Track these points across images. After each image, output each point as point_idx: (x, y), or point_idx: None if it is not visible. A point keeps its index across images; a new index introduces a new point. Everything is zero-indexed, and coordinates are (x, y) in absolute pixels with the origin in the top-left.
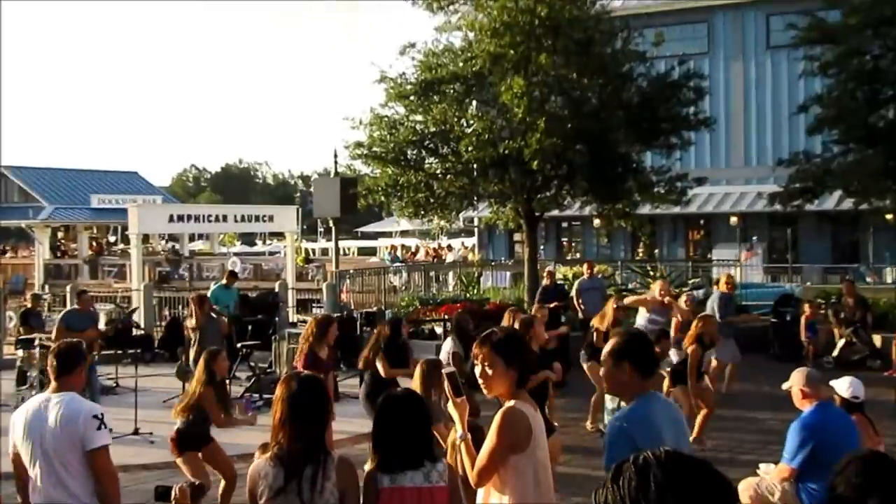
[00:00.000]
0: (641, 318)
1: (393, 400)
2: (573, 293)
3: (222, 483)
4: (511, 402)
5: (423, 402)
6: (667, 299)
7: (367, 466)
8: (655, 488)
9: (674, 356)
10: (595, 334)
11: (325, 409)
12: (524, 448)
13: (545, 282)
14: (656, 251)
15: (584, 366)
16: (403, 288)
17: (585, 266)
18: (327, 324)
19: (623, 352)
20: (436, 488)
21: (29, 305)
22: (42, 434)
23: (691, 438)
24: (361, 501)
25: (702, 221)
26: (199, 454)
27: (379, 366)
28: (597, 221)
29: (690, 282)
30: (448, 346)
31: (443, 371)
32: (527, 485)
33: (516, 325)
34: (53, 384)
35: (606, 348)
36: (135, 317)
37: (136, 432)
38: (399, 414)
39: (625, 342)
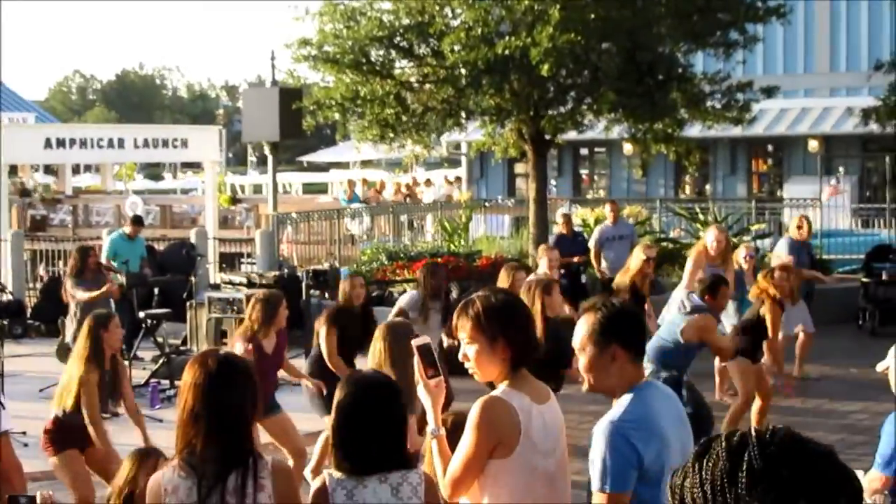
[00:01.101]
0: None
1: (360, 385)
2: (592, 244)
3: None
4: (497, 390)
5: (399, 391)
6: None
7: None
8: (747, 475)
9: (726, 323)
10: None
11: (252, 399)
12: (509, 451)
13: (560, 229)
14: (708, 187)
15: None
16: (365, 237)
17: (608, 207)
18: (276, 304)
19: (609, 329)
20: None
21: None
22: None
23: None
24: None
25: (770, 147)
26: (83, 455)
27: (323, 346)
28: (628, 147)
29: (754, 228)
30: (406, 300)
31: (412, 342)
32: (512, 498)
33: (517, 288)
34: None
35: (581, 328)
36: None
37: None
38: (365, 405)
39: (609, 315)
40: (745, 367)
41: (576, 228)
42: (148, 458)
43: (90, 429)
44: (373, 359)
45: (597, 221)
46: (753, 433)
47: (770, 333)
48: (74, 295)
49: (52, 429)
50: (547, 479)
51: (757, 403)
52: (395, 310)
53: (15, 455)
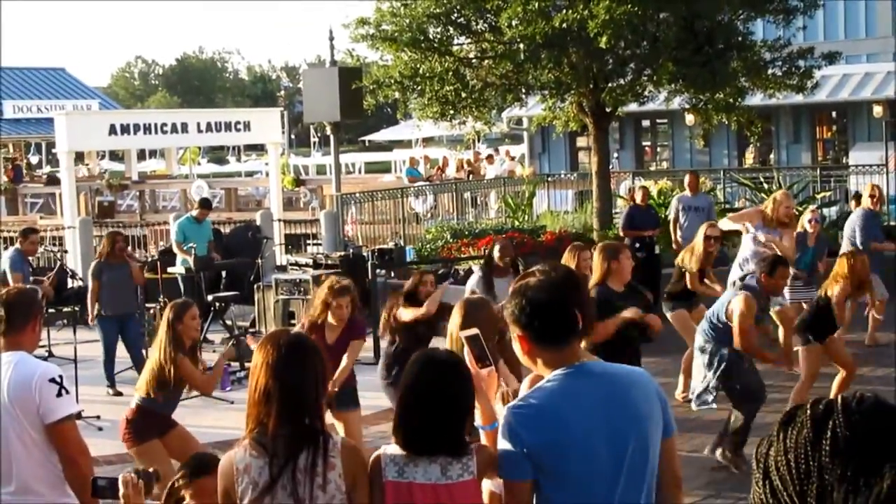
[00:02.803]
0: (747, 246)
1: (428, 364)
2: (670, 214)
3: None
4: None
5: (468, 374)
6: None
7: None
8: (831, 442)
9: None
10: (682, 274)
11: (322, 379)
12: None
13: (636, 199)
14: (771, 156)
15: (669, 315)
16: (429, 216)
17: (688, 178)
18: (343, 292)
19: (512, 319)
20: (456, 485)
21: None
22: None
23: None
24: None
25: (834, 114)
26: (161, 443)
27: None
28: (689, 118)
29: (819, 196)
30: (473, 281)
31: (461, 334)
32: None
33: (582, 268)
34: (2, 341)
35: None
36: (69, 262)
37: (78, 416)
38: (430, 385)
39: (512, 305)
40: (810, 347)
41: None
42: (199, 475)
43: (198, 384)
44: (449, 335)
45: (660, 193)
46: (839, 401)
47: (838, 317)
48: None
49: (132, 418)
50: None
51: (840, 375)
52: (468, 292)
53: (81, 438)
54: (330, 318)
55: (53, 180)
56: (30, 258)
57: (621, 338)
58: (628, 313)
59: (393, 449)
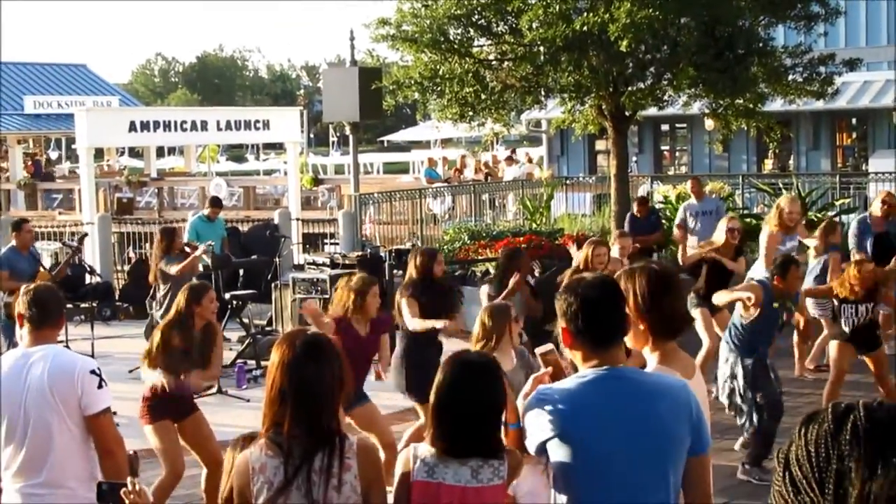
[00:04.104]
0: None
1: (461, 366)
2: (676, 221)
3: (204, 471)
4: (649, 367)
5: (500, 375)
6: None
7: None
8: (851, 431)
9: (812, 308)
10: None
11: (339, 379)
12: None
13: (635, 210)
14: (791, 162)
15: (693, 312)
16: (447, 217)
17: (690, 184)
18: (366, 289)
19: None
20: (486, 489)
21: None
22: (24, 400)
23: None
24: (394, 494)
25: (854, 120)
26: (176, 426)
27: (405, 311)
28: (709, 123)
29: (838, 203)
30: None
31: (538, 353)
32: None
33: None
34: (29, 337)
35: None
36: (87, 258)
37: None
38: (464, 387)
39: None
40: (841, 346)
41: (656, 204)
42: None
43: (163, 377)
44: (473, 337)
45: (678, 198)
46: (860, 402)
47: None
48: (168, 271)
49: (149, 396)
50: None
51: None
52: (483, 299)
53: (116, 429)
54: (359, 313)
55: (49, 177)
56: (35, 249)
57: None
58: None
59: (424, 449)
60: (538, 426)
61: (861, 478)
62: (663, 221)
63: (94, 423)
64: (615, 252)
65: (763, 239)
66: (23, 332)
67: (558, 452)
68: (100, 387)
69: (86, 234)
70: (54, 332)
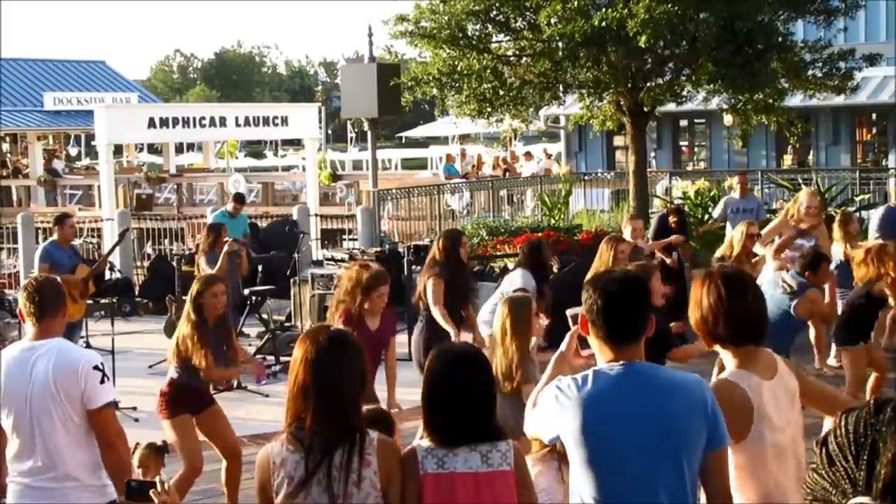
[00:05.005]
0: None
1: (447, 357)
2: (715, 214)
3: (224, 463)
4: (726, 372)
5: (486, 363)
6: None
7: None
8: (891, 414)
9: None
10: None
11: (362, 375)
12: (744, 433)
13: (670, 216)
14: (810, 157)
15: None
16: (465, 213)
17: (736, 179)
18: (376, 282)
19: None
20: (496, 473)
21: None
22: (30, 393)
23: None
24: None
25: (874, 115)
26: (194, 419)
27: (430, 293)
28: (728, 118)
29: (858, 198)
30: (516, 279)
31: (567, 314)
32: (743, 475)
33: (619, 261)
34: (33, 330)
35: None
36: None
37: (116, 407)
38: (452, 377)
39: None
40: (853, 352)
41: (675, 200)
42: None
43: (205, 371)
44: (496, 329)
45: (697, 193)
46: None
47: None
48: (206, 270)
49: (167, 391)
50: (778, 453)
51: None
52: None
53: (119, 424)
54: (367, 306)
55: (54, 172)
56: (74, 244)
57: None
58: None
59: (426, 442)
60: (553, 418)
61: (893, 451)
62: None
63: (96, 418)
64: (627, 235)
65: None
66: (26, 327)
67: (573, 445)
68: (102, 382)
69: (127, 229)
70: (56, 323)
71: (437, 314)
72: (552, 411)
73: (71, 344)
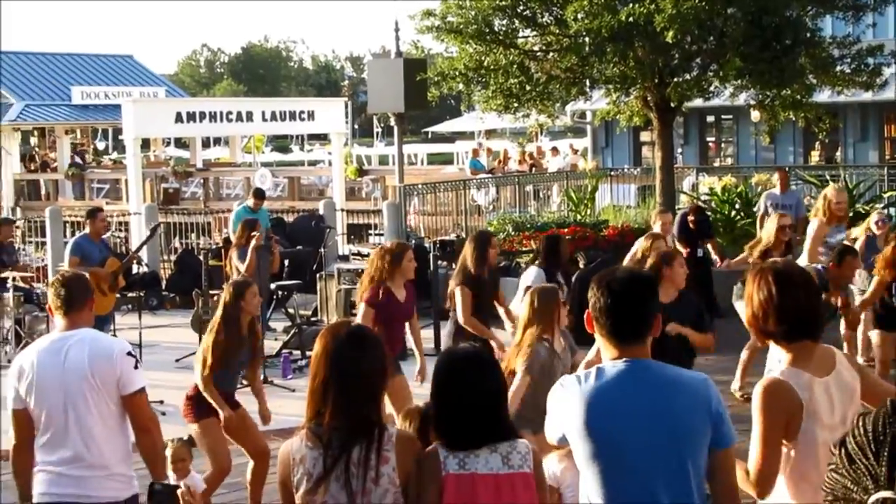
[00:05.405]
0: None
1: (452, 360)
2: (758, 211)
3: (251, 464)
4: (776, 371)
5: (493, 362)
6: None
7: None
8: None
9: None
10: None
11: (381, 371)
12: (794, 432)
13: (689, 215)
14: (838, 154)
15: (737, 304)
16: (491, 208)
17: (777, 175)
18: (402, 251)
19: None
20: (516, 475)
21: None
22: (64, 381)
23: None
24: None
25: None
26: (219, 422)
27: (458, 303)
28: (755, 114)
29: (886, 195)
30: (528, 278)
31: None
32: (795, 474)
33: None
34: (63, 321)
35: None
36: (133, 247)
37: None
38: (458, 380)
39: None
40: (882, 336)
41: (702, 197)
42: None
43: (210, 390)
44: (520, 322)
45: (724, 190)
46: None
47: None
48: (237, 266)
49: (192, 395)
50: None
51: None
52: (522, 289)
53: (151, 408)
54: (397, 275)
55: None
56: (105, 238)
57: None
58: (671, 328)
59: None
60: (558, 416)
61: None
62: (708, 213)
63: (130, 402)
64: (657, 229)
65: (811, 230)
66: (56, 321)
67: (578, 443)
68: (136, 367)
69: (158, 225)
70: (83, 315)
71: (468, 326)
72: (557, 409)
73: (101, 333)
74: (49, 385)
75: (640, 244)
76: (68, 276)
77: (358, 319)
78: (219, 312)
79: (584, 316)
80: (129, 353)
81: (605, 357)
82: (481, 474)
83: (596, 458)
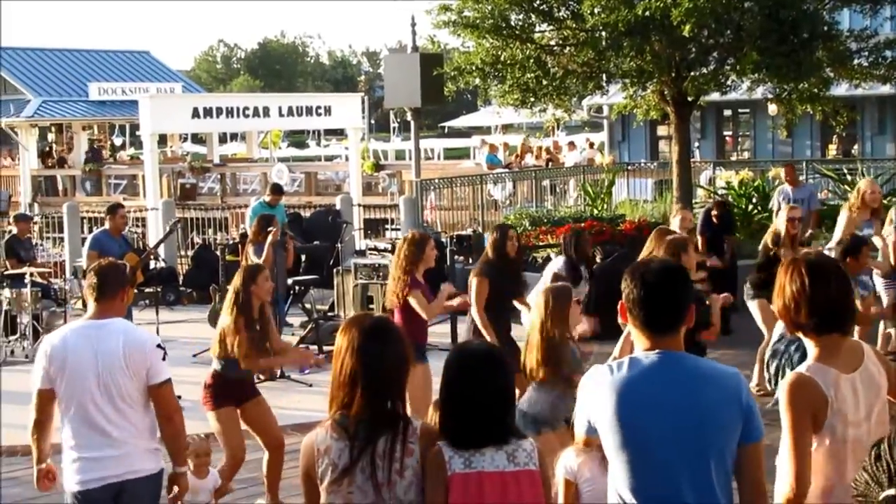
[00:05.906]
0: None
1: (464, 357)
2: (773, 206)
3: (266, 455)
4: (803, 366)
5: (505, 361)
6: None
7: None
8: None
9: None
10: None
11: (405, 364)
12: (818, 427)
13: (713, 209)
14: (855, 147)
15: (749, 304)
16: (507, 203)
17: (784, 171)
18: (424, 240)
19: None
20: (522, 472)
21: (14, 230)
22: (98, 365)
23: None
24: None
25: None
26: (238, 410)
27: (473, 293)
28: (773, 108)
29: None
30: (560, 265)
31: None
32: (819, 469)
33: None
34: (94, 308)
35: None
36: (150, 243)
37: None
38: (467, 378)
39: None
40: None
41: (719, 191)
42: None
43: (244, 360)
44: (534, 320)
45: (741, 184)
46: None
47: None
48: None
49: (211, 383)
50: (856, 448)
51: None
52: (549, 276)
53: (175, 398)
54: (424, 261)
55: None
56: (124, 234)
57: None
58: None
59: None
60: (587, 405)
61: None
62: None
63: (157, 392)
64: (675, 224)
65: (841, 220)
66: (88, 306)
67: (607, 433)
68: (163, 359)
69: (178, 221)
70: (115, 305)
71: (477, 318)
72: (586, 399)
73: (133, 325)
74: (83, 368)
75: (648, 248)
76: (105, 265)
77: (416, 307)
78: (230, 296)
79: (619, 307)
80: (159, 346)
81: (639, 348)
82: (488, 472)
83: (623, 448)
